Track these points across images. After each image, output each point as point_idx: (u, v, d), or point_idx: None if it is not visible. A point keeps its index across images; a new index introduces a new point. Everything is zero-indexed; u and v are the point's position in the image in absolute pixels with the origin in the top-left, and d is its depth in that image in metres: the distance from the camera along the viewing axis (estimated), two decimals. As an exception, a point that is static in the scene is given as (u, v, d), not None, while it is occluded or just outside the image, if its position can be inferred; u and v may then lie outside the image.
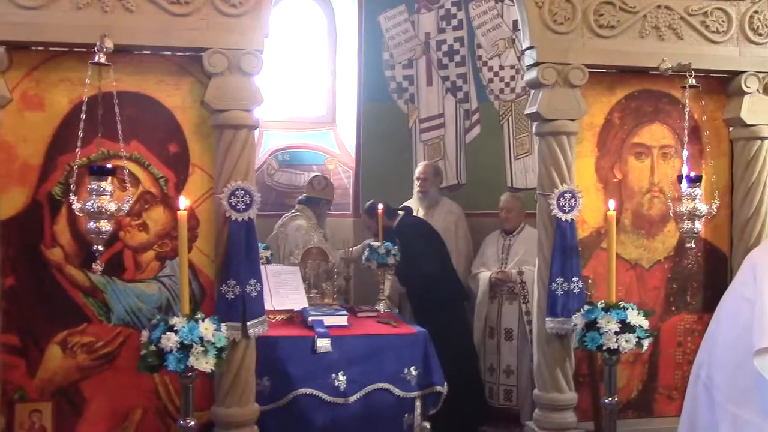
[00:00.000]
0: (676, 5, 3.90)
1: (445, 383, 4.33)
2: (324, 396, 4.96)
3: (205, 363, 3.08)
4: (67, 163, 3.38)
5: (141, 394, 3.52)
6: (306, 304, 5.74)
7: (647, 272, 4.06)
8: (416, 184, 6.29)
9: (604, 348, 3.46)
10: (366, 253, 5.81)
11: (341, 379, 4.93)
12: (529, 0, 3.75)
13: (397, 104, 7.09)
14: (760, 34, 3.98)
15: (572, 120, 3.80)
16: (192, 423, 3.16)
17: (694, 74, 3.73)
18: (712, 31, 3.94)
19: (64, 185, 3.40)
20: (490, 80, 6.69)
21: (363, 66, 6.94)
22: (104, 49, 3.15)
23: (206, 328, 3.11)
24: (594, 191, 3.97)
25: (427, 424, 4.36)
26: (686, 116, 3.72)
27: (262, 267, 5.79)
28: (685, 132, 3.74)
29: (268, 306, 5.61)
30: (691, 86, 3.71)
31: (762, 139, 3.97)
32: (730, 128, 4.08)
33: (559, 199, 3.74)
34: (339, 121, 7.44)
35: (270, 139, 7.28)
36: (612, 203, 3.59)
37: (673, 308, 4.08)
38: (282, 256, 6.09)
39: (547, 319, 3.78)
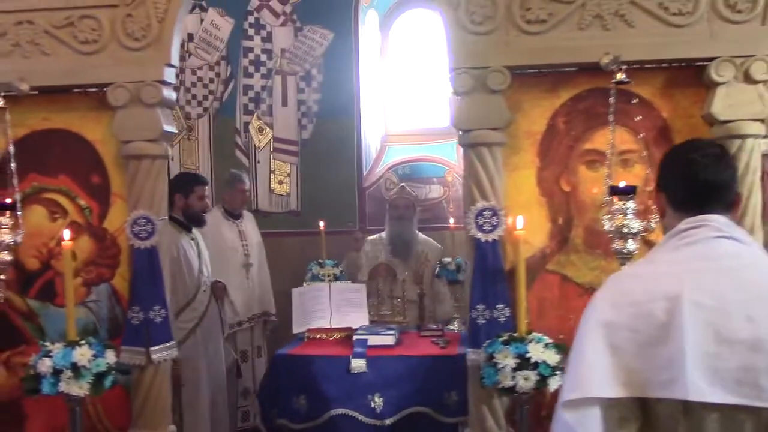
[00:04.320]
0: (624, -13, 3.35)
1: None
2: (361, 417, 4.91)
3: (77, 388, 3.21)
4: (3, 199, 3.70)
5: (66, 414, 3.73)
6: (366, 322, 5.71)
7: (607, 298, 3.51)
8: None
9: (499, 386, 3.07)
10: (437, 269, 5.64)
11: (377, 401, 4.86)
12: (444, 1, 3.44)
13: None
14: (740, 11, 3.30)
15: (495, 129, 3.41)
16: (80, 444, 3.31)
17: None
18: (673, 14, 3.34)
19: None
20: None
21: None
22: (2, 93, 3.42)
23: (82, 354, 3.23)
24: (536, 206, 3.52)
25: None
26: (611, 117, 3.18)
27: (326, 284, 5.89)
28: (612, 137, 3.19)
29: (325, 324, 5.70)
30: (619, 82, 3.17)
31: (742, 137, 3.28)
32: (711, 126, 3.41)
33: (477, 218, 3.38)
34: (461, 131, 7.45)
35: (392, 153, 7.42)
36: (520, 221, 3.17)
37: (639, 340, 3.48)
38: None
39: (468, 350, 3.42)
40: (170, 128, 3.62)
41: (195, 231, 5.82)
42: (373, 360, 4.90)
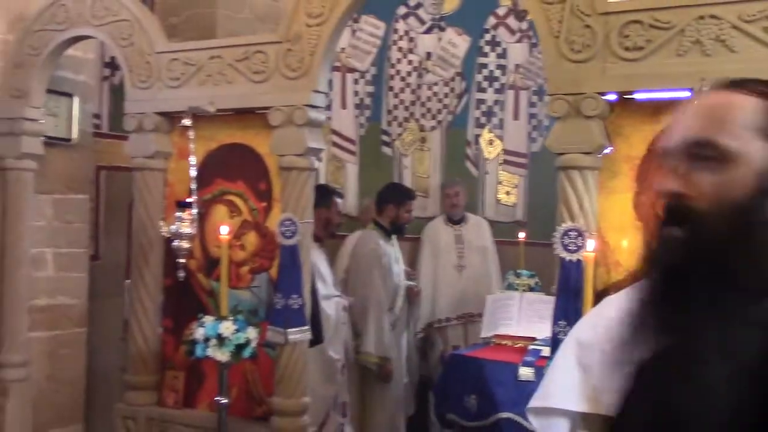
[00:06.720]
0: (725, 13, 3.27)
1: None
2: (526, 424, 5.25)
3: (220, 354, 3.98)
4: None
5: (237, 376, 4.53)
6: (549, 334, 5.96)
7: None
8: None
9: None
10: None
11: (544, 411, 5.13)
12: (545, 30, 3.63)
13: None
14: None
15: (586, 153, 3.53)
16: (224, 401, 4.09)
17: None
18: (779, 37, 3.20)
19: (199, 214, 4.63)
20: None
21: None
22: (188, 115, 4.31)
23: (226, 327, 3.99)
24: (632, 230, 3.55)
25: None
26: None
27: (518, 293, 6.30)
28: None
29: (511, 331, 6.11)
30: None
31: None
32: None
33: (563, 238, 3.54)
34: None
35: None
36: (591, 244, 3.29)
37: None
38: None
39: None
40: (316, 145, 4.24)
41: (393, 239, 6.44)
42: (543, 370, 5.10)
